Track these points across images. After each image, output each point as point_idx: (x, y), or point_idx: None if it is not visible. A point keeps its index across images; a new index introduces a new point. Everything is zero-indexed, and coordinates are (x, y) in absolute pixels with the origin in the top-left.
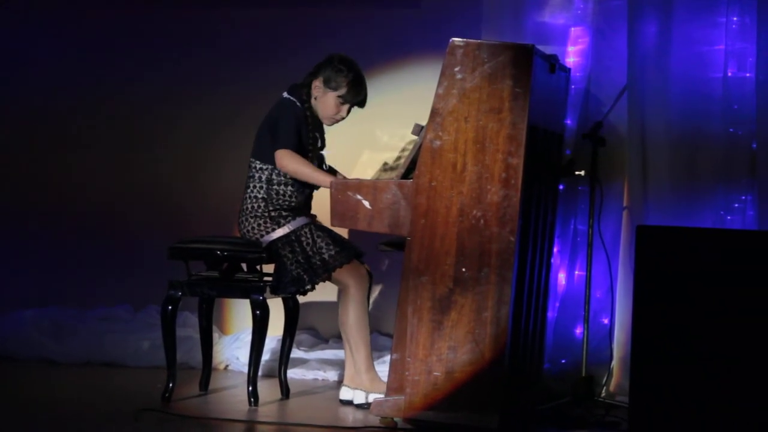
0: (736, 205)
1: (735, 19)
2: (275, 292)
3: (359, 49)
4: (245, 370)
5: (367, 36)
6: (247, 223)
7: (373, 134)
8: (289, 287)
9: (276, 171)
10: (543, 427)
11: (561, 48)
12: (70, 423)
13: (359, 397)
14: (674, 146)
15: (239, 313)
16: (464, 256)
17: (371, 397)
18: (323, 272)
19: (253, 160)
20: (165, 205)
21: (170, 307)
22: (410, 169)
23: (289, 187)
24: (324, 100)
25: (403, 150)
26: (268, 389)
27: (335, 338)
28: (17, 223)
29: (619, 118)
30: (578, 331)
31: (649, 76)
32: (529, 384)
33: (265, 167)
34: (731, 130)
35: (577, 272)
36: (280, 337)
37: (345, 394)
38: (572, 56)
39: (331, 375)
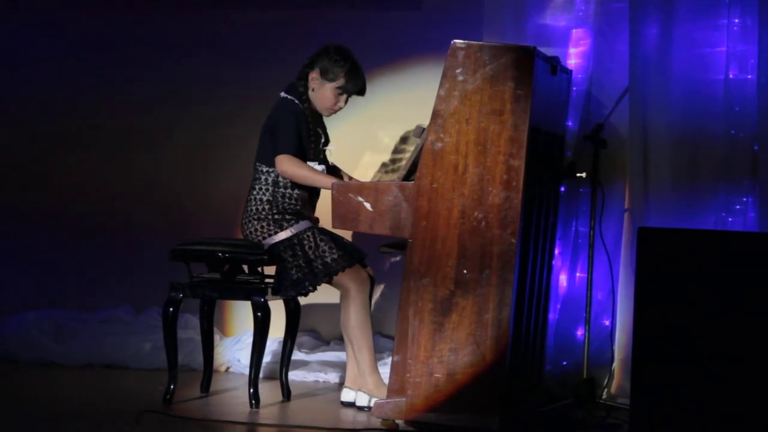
0: (738, 206)
1: (736, 20)
2: (276, 294)
3: (360, 51)
4: (246, 372)
5: (368, 38)
6: (250, 225)
7: (374, 136)
8: (290, 290)
9: None
10: (544, 429)
11: (562, 50)
12: (71, 424)
13: (362, 399)
14: (675, 148)
15: (240, 315)
16: (465, 258)
17: (374, 401)
18: (324, 276)
19: (259, 164)
20: (166, 207)
21: (171, 309)
22: (411, 171)
23: (295, 191)
24: (322, 91)
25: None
26: (269, 391)
27: (336, 340)
28: (18, 225)
29: (621, 120)
30: (579, 332)
31: (651, 78)
32: (530, 386)
33: (271, 170)
34: (732, 131)
35: (578, 274)
36: (281, 339)
37: (346, 395)
38: (574, 58)
39: (333, 377)
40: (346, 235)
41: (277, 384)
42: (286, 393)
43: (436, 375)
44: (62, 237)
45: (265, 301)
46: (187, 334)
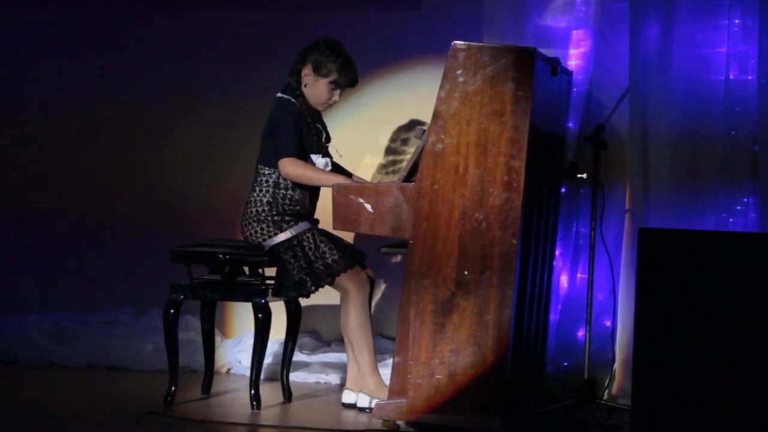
0: (738, 207)
1: (737, 21)
2: (277, 296)
3: (360, 52)
4: (247, 373)
5: (368, 39)
6: (250, 227)
7: (374, 137)
8: (291, 292)
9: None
10: (545, 429)
11: (563, 51)
12: (72, 426)
13: (363, 401)
14: (676, 148)
15: (241, 316)
16: (466, 259)
17: (375, 402)
18: (325, 277)
19: (261, 166)
20: (167, 207)
21: (172, 311)
22: (412, 172)
23: (296, 192)
24: (315, 87)
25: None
26: (270, 392)
27: (337, 341)
28: (19, 225)
29: (621, 121)
30: (580, 333)
31: (651, 79)
32: (531, 387)
33: (271, 172)
34: (733, 132)
35: (579, 275)
36: (282, 341)
37: (347, 397)
38: (574, 59)
39: (334, 378)
40: (347, 236)
41: (278, 385)
42: (287, 394)
43: (437, 376)
44: (63, 238)
45: (266, 303)
46: (188, 336)
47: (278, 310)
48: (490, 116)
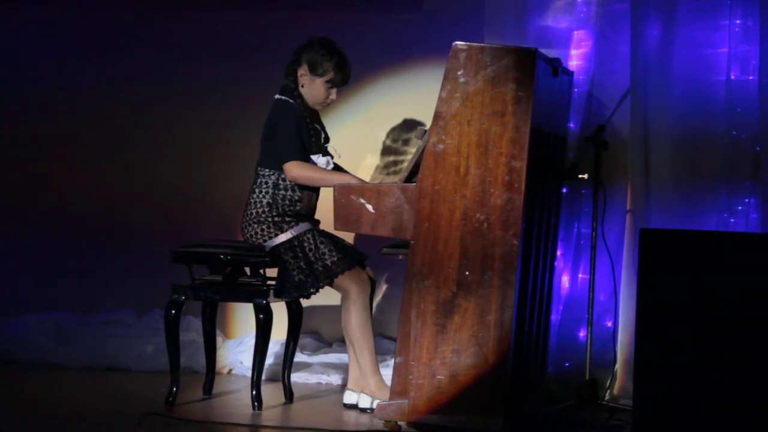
0: (739, 207)
1: (738, 22)
2: (278, 296)
3: (362, 53)
4: (249, 374)
5: (369, 39)
6: (250, 228)
7: (375, 137)
8: (292, 292)
9: (282, 176)
10: (547, 430)
11: (564, 51)
12: (73, 427)
13: (364, 401)
14: (677, 149)
15: (242, 317)
16: (467, 259)
17: (377, 403)
18: (325, 278)
19: (261, 168)
20: (168, 208)
21: (173, 312)
22: (413, 173)
23: (296, 193)
24: (312, 87)
25: (397, 152)
26: (271, 393)
27: (339, 342)
28: (20, 226)
29: (622, 121)
30: (582, 334)
31: (652, 79)
32: (532, 387)
33: (271, 173)
34: (734, 132)
35: (580, 275)
36: (284, 341)
37: (349, 397)
38: (575, 59)
39: (335, 379)
40: (348, 236)
41: (279, 386)
42: (289, 395)
43: (438, 376)
44: (63, 238)
45: (267, 303)
46: (189, 337)
47: (279, 311)
48: (491, 117)
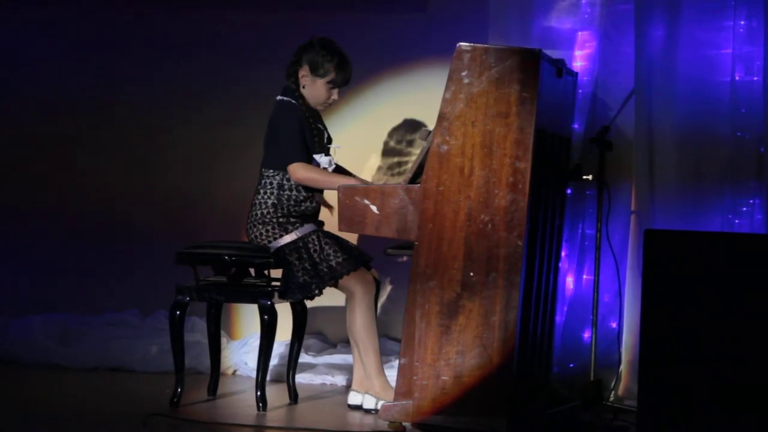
0: (744, 208)
1: (742, 22)
2: (283, 297)
3: (365, 53)
4: (253, 375)
5: (373, 40)
6: (255, 229)
7: (380, 138)
8: (296, 293)
9: (286, 176)
10: (551, 431)
11: (568, 52)
12: (77, 428)
13: (369, 402)
14: (681, 149)
15: (247, 317)
16: (472, 260)
17: (381, 404)
18: (330, 279)
19: (265, 169)
20: (170, 209)
21: (178, 312)
22: (417, 174)
23: (301, 193)
24: (313, 87)
25: (401, 153)
26: (276, 394)
27: (343, 343)
28: (22, 226)
29: (627, 122)
30: (586, 335)
31: (657, 80)
32: (537, 388)
33: (275, 174)
34: (739, 133)
35: (585, 276)
36: (288, 342)
37: (353, 398)
38: (579, 60)
39: (339, 380)
40: (353, 237)
41: (284, 387)
42: (293, 396)
43: (443, 377)
44: (63, 239)
45: (272, 304)
46: (193, 338)
47: (284, 312)
48: (496, 118)
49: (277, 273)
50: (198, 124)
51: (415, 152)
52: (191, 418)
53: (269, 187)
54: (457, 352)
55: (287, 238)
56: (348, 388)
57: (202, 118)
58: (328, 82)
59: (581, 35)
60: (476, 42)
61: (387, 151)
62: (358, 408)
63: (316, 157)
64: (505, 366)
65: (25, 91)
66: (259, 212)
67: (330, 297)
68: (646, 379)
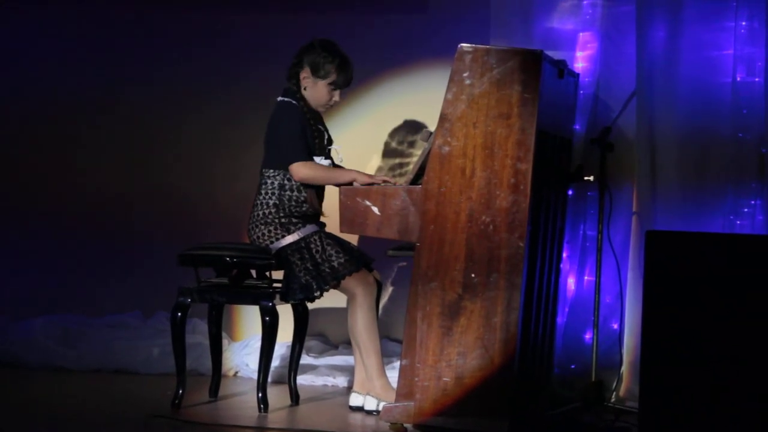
0: (746, 209)
1: (743, 23)
2: (284, 299)
3: (366, 54)
4: (255, 376)
5: (374, 41)
6: (257, 230)
7: (381, 139)
8: (298, 294)
9: (287, 176)
10: None
11: (570, 53)
12: (79, 429)
13: (370, 404)
14: (683, 150)
15: (249, 319)
16: (473, 261)
17: (383, 405)
18: (332, 280)
19: (266, 169)
20: (172, 209)
21: (180, 314)
22: (419, 175)
23: (302, 193)
24: (315, 89)
25: (403, 154)
26: (277, 395)
27: (345, 344)
28: (23, 227)
29: (628, 123)
30: (588, 336)
31: (658, 81)
32: (538, 389)
33: (276, 174)
34: (740, 134)
35: (586, 277)
36: (290, 344)
37: (355, 400)
38: (581, 61)
39: (341, 381)
40: (354, 239)
41: (285, 388)
42: (295, 397)
43: (444, 379)
44: (63, 239)
45: (273, 306)
46: (195, 339)
47: (285, 313)
48: (497, 119)
49: (278, 274)
50: (198, 124)
51: (417, 153)
52: (193, 419)
53: (270, 187)
54: (459, 354)
55: (289, 239)
56: (349, 389)
57: (202, 118)
58: (330, 84)
59: (583, 36)
60: (477, 43)
61: (388, 152)
62: (360, 409)
63: (316, 158)
64: (506, 367)
65: (25, 91)
66: (260, 212)
67: (331, 298)
68: (647, 380)
